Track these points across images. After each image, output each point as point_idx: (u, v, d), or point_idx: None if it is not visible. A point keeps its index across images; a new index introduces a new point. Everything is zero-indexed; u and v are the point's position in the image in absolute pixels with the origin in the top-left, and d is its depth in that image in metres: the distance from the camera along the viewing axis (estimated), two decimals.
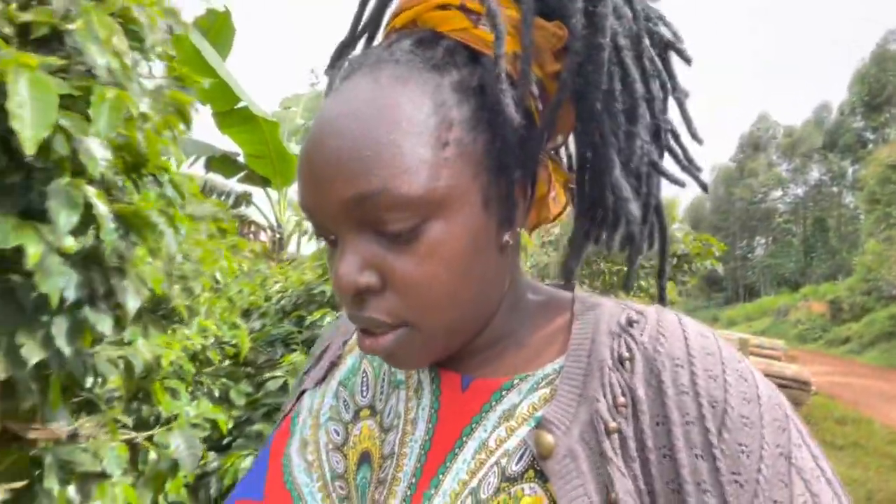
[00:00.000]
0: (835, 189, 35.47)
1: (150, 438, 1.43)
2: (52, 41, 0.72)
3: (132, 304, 0.88)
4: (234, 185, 6.78)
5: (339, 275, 0.36)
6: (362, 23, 0.46)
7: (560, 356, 0.41)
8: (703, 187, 0.46)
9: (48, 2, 0.68)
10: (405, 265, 0.36)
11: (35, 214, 0.80)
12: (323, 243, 0.39)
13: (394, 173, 0.34)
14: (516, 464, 0.37)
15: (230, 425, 1.91)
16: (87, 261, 0.87)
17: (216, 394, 2.16)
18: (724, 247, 4.90)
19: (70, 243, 0.74)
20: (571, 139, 0.48)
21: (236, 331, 2.15)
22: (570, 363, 0.39)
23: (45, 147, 0.72)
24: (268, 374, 2.11)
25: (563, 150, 0.49)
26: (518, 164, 0.39)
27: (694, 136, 0.45)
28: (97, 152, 0.74)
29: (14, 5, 0.67)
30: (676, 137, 0.45)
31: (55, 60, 0.66)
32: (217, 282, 1.89)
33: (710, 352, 0.37)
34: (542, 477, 0.35)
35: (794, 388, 5.51)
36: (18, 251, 0.78)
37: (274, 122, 5.30)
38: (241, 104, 4.94)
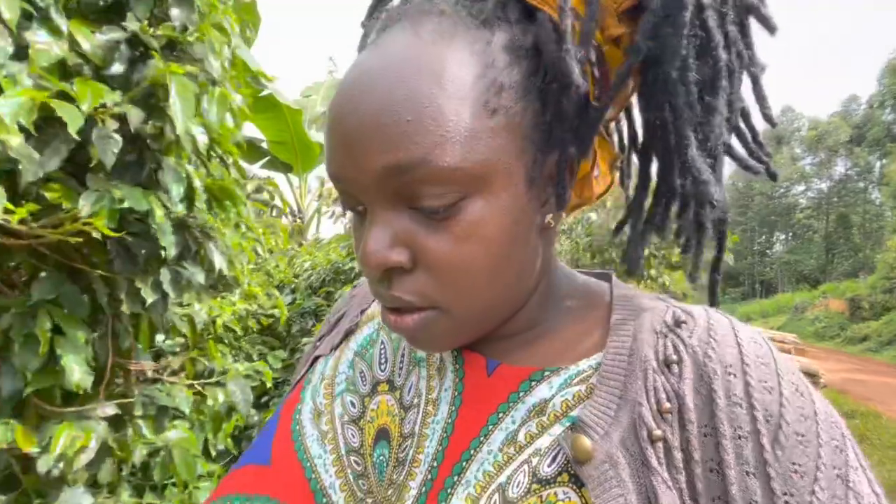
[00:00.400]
0: (861, 184, 34.61)
1: (202, 387, 1.65)
2: (165, 49, 0.91)
3: (218, 262, 1.09)
4: (258, 170, 7.05)
5: (368, 251, 0.33)
6: None
7: (597, 352, 0.38)
8: (773, 176, 0.41)
9: (169, 18, 0.87)
10: (439, 244, 0.33)
11: (145, 185, 1.00)
12: (347, 221, 0.41)
13: (436, 142, 0.31)
14: (549, 465, 0.34)
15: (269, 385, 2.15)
16: (180, 225, 1.07)
17: (255, 358, 2.40)
18: (736, 238, 4.97)
19: (180, 209, 0.94)
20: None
21: (274, 300, 2.37)
22: (610, 361, 0.36)
23: (160, 132, 0.92)
24: (304, 340, 2.33)
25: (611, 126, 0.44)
26: (573, 139, 0.36)
27: (768, 118, 0.39)
28: (199, 137, 0.94)
29: (145, 23, 0.86)
30: (746, 118, 0.39)
31: (192, 68, 0.86)
32: (258, 255, 2.10)
33: (765, 361, 0.34)
34: (576, 482, 0.33)
35: None
36: (131, 212, 0.98)
37: (297, 109, 5.47)
38: (265, 92, 5.12)
